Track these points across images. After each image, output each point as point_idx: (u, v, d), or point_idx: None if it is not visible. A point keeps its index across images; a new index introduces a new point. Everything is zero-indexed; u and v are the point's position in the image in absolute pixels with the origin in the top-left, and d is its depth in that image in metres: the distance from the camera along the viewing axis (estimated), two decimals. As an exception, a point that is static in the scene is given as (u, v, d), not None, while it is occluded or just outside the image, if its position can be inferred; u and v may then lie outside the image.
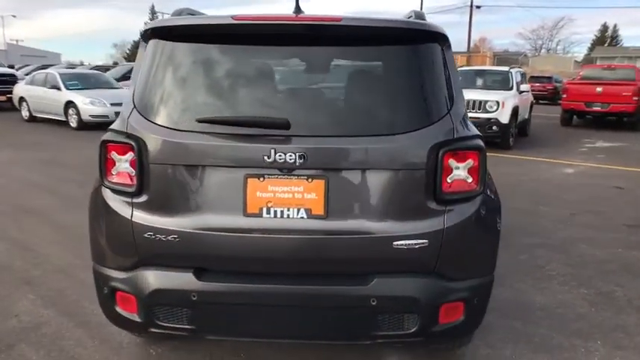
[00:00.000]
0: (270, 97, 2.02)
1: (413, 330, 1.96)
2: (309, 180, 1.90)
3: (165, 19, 2.10)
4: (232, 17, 1.90)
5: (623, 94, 12.16)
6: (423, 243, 1.91)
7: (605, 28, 61.00)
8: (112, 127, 2.10)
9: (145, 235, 1.95)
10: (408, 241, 1.90)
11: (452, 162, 1.94)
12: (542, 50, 61.40)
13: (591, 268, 3.84)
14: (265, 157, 1.85)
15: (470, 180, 1.98)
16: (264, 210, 1.91)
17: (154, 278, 1.96)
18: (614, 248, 4.32)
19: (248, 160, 1.89)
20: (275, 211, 1.91)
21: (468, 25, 38.64)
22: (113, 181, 2.02)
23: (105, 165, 2.03)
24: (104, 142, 2.02)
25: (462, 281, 2.02)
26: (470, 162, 1.97)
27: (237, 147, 1.89)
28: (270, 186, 1.91)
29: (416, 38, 1.99)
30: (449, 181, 1.95)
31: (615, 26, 60.95)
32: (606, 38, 60.48)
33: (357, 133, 1.89)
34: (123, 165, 2.01)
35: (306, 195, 1.91)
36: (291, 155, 1.84)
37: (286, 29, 1.95)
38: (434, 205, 1.94)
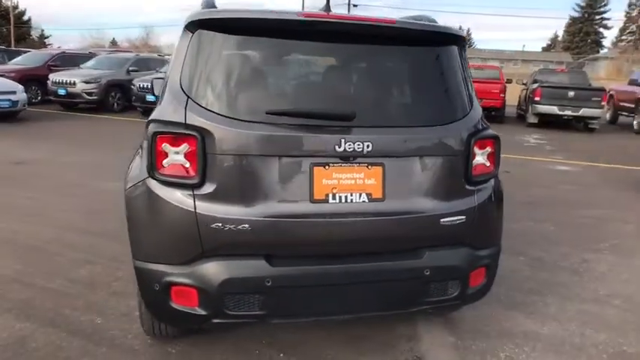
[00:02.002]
0: (331, 90, 2.14)
1: (454, 295, 2.26)
2: (369, 167, 2.07)
3: (217, 10, 2.08)
4: (298, 13, 1.99)
5: (492, 91, 14.00)
6: (462, 219, 2.21)
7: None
8: (157, 117, 2.03)
9: (212, 227, 1.94)
10: (452, 218, 2.18)
11: (476, 149, 2.26)
12: (408, 50, 66.60)
13: (518, 240, 4.53)
14: (336, 147, 1.98)
15: (488, 164, 2.32)
16: (330, 196, 2.04)
17: (224, 268, 1.97)
18: (525, 222, 5.12)
19: (317, 150, 1.99)
20: (340, 197, 2.05)
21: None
22: (167, 173, 1.97)
23: (156, 157, 1.96)
24: (156, 134, 1.95)
25: (485, 249, 2.36)
26: (488, 149, 2.31)
27: (307, 137, 1.98)
28: (335, 173, 2.04)
29: (449, 41, 2.26)
30: (474, 164, 2.27)
31: (468, 30, 68.87)
32: (461, 41, 67.85)
33: (410, 124, 2.12)
34: (179, 157, 1.97)
35: (366, 181, 2.07)
36: (359, 144, 2.00)
37: (348, 28, 2.08)
38: (468, 186, 2.25)
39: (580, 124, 13.84)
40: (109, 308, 2.95)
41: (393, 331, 2.78)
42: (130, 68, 13.80)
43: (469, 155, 2.22)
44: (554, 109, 13.21)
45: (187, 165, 1.96)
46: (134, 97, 12.41)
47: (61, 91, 12.76)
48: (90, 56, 15.87)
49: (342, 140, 1.98)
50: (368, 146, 2.01)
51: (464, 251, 2.26)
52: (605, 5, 52.36)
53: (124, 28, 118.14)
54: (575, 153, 9.80)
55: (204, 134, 1.93)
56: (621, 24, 50.75)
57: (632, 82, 14.80)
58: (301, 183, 2.02)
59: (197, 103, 1.98)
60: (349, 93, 2.13)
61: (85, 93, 12.64)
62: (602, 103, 13.37)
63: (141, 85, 12.10)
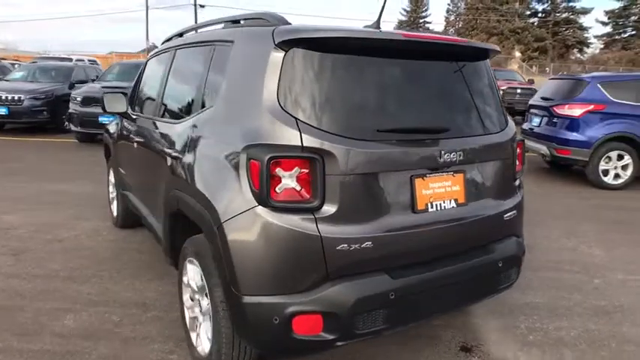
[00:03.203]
0: (425, 105, 2.22)
1: (513, 280, 2.55)
2: (454, 174, 2.23)
3: (314, 29, 2.00)
4: (400, 33, 2.06)
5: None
6: (515, 213, 2.51)
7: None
8: (261, 141, 1.92)
9: (338, 248, 1.90)
10: (510, 213, 2.47)
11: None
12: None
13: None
14: (438, 158, 2.10)
15: (517, 162, 2.66)
16: (429, 205, 2.15)
17: (353, 288, 1.93)
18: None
19: (421, 163, 2.09)
20: (436, 205, 2.17)
21: (195, 22, 39.32)
22: (282, 199, 1.88)
23: (270, 184, 1.86)
24: (270, 160, 1.84)
25: (521, 237, 2.70)
26: (518, 150, 2.64)
27: (414, 151, 2.08)
28: (430, 183, 2.15)
29: (488, 56, 2.53)
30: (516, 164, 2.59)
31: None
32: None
33: (482, 132, 2.35)
34: (293, 181, 1.89)
35: (453, 187, 2.23)
36: (454, 154, 2.15)
37: (437, 47, 2.23)
38: (514, 183, 2.55)
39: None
40: (136, 358, 2.61)
41: (433, 326, 2.97)
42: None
43: (514, 156, 2.52)
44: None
45: (304, 188, 1.89)
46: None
47: None
48: None
49: (442, 151, 2.11)
50: (460, 155, 2.17)
51: (515, 241, 2.56)
52: (426, 10, 59.58)
53: None
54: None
55: (322, 155, 1.88)
56: (442, 27, 58.29)
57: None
58: (405, 195, 2.09)
59: (309, 124, 1.91)
60: (438, 106, 2.25)
61: None
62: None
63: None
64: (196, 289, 2.43)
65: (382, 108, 2.08)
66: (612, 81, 7.14)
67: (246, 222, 1.92)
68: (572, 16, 44.07)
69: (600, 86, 6.98)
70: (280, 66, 1.97)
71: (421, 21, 59.82)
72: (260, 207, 1.89)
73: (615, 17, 42.84)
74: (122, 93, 3.85)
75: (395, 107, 2.12)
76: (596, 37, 46.76)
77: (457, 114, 2.29)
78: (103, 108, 3.75)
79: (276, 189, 1.87)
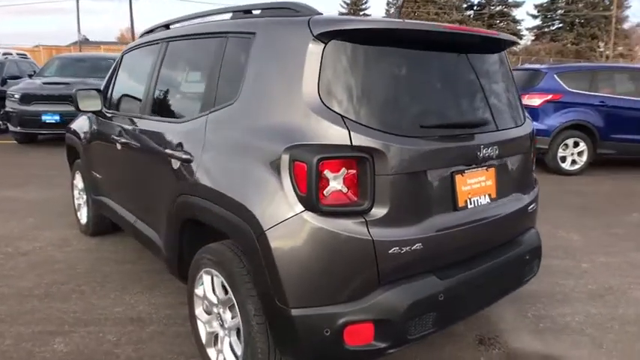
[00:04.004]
0: (462, 99, 2.15)
1: (536, 271, 2.56)
2: (487, 169, 2.19)
3: (353, 19, 1.87)
4: (445, 27, 1.99)
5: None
6: (535, 205, 2.52)
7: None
8: (305, 141, 1.77)
9: (390, 252, 1.80)
10: (532, 205, 2.48)
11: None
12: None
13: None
14: (478, 153, 2.04)
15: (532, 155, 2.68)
16: (468, 201, 2.09)
17: (405, 293, 1.84)
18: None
19: (462, 158, 2.03)
20: (474, 201, 2.12)
21: (130, 14, 37.53)
22: (331, 202, 1.75)
23: (318, 186, 1.72)
24: (320, 161, 1.71)
25: (535, 228, 2.72)
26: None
27: (458, 147, 2.01)
28: (468, 179, 2.10)
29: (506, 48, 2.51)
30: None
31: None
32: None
33: (510, 126, 2.32)
34: (341, 183, 1.76)
35: (487, 182, 2.19)
36: (491, 149, 2.10)
37: (476, 40, 2.18)
38: (532, 175, 2.56)
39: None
40: (148, 380, 2.39)
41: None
42: None
43: (532, 149, 2.53)
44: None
45: (351, 190, 1.77)
46: None
47: None
48: None
49: (482, 146, 2.06)
50: (496, 149, 2.13)
51: (535, 232, 2.58)
52: (366, 2, 60.25)
53: None
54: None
55: (372, 154, 1.77)
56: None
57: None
58: (447, 193, 2.02)
59: (356, 122, 1.78)
60: (474, 100, 2.18)
61: None
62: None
63: None
64: (215, 302, 2.25)
65: (425, 103, 1.99)
66: (567, 71, 7.50)
67: (293, 229, 1.77)
68: (505, 9, 46.18)
69: (557, 76, 7.31)
70: (320, 59, 1.82)
71: (361, 13, 60.49)
72: (307, 212, 1.75)
73: (544, 10, 45.35)
74: (96, 90, 3.52)
75: (437, 101, 2.04)
76: (527, 29, 49.27)
77: (489, 107, 2.24)
78: (77, 107, 3.41)
79: (324, 192, 1.74)
